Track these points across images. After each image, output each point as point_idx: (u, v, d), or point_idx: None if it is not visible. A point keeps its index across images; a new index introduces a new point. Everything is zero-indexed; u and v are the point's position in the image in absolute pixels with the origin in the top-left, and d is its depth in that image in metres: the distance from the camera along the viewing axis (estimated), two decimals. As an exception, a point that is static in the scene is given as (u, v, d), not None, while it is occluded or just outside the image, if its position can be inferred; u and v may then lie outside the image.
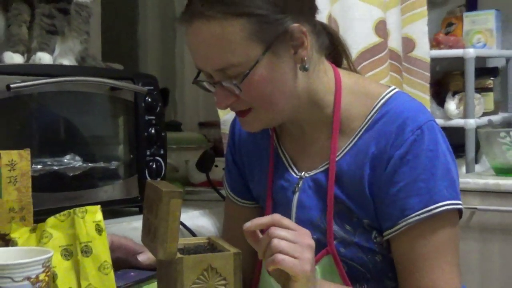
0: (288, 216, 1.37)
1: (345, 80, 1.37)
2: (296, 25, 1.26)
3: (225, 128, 1.84)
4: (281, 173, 1.43)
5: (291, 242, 1.14)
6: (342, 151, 1.35)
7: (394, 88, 1.37)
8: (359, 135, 1.34)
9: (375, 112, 1.33)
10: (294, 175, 1.41)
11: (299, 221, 1.34)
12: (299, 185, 1.39)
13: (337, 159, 1.34)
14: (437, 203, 1.27)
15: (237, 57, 1.24)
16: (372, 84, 1.41)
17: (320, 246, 1.32)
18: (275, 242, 1.13)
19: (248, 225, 1.18)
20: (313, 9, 1.34)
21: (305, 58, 1.28)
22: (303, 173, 1.40)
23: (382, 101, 1.34)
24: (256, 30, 1.23)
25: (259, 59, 1.25)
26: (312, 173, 1.38)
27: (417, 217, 1.27)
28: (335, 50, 1.44)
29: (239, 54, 1.24)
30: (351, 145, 1.34)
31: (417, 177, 1.27)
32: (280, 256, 1.13)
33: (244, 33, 1.23)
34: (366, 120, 1.33)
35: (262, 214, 1.47)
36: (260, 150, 1.48)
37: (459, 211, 1.32)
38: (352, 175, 1.33)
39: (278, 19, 1.25)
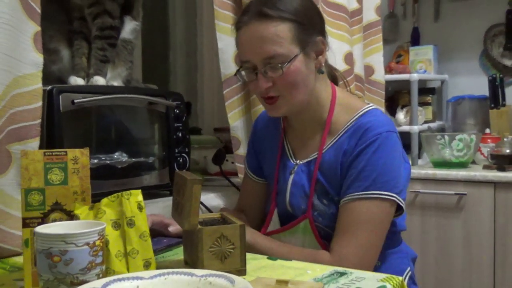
0: (285, 190, 1.40)
1: (338, 95, 1.39)
2: (320, 37, 1.30)
3: (234, 133, 1.85)
4: (284, 160, 1.45)
5: None
6: (327, 146, 1.35)
7: (372, 105, 1.37)
8: (339, 136, 1.34)
9: (353, 121, 1.33)
10: (292, 162, 1.43)
11: (293, 195, 1.38)
12: (294, 169, 1.41)
13: (323, 152, 1.35)
14: (372, 190, 1.25)
15: (283, 50, 1.26)
16: (357, 101, 1.41)
17: (304, 212, 1.36)
18: None
19: None
20: (326, 32, 1.37)
21: (322, 64, 1.33)
22: (298, 161, 1.41)
23: (360, 113, 1.34)
24: (298, 33, 1.26)
25: (297, 54, 1.27)
26: (304, 161, 1.40)
27: (354, 196, 1.26)
28: (332, 75, 1.47)
29: (285, 48, 1.26)
30: (333, 142, 1.35)
31: (364, 168, 1.27)
32: None
33: (290, 33, 1.26)
34: (346, 126, 1.34)
35: (268, 188, 1.49)
36: (272, 142, 1.50)
37: (396, 203, 1.28)
38: (331, 165, 1.33)
39: (312, 30, 1.29)
